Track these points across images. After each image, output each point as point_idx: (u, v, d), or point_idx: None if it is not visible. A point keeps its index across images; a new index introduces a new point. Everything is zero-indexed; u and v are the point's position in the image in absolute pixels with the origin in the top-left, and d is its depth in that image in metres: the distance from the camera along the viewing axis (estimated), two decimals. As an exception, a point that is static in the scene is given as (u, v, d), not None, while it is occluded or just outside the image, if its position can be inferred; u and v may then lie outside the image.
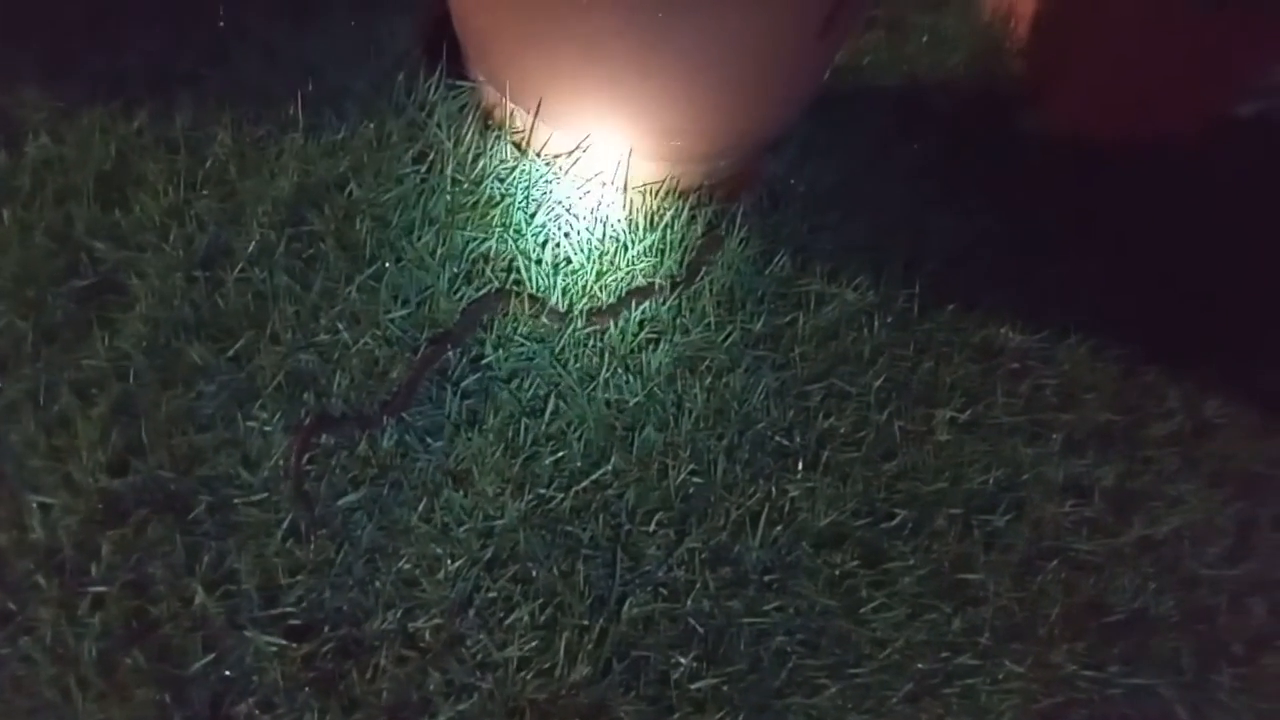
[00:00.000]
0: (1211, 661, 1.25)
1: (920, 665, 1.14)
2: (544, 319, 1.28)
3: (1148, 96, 1.81)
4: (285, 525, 1.02)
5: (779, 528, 1.19)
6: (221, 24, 1.41)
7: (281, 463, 1.06)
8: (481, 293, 1.27)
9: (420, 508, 1.07)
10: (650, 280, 1.38)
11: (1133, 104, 1.82)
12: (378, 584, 1.02)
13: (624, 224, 1.43)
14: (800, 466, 1.26)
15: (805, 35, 1.32)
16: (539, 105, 1.42)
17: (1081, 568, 1.28)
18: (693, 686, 1.05)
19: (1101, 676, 1.19)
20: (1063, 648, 1.20)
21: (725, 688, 1.06)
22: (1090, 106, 1.84)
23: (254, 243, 1.21)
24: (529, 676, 1.00)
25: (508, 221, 1.37)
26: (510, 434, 1.16)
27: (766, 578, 1.16)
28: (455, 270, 1.28)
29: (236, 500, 1.03)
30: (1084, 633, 1.22)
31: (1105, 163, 1.83)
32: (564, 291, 1.33)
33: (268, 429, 1.08)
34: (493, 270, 1.31)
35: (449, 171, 1.37)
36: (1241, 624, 1.29)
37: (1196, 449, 1.47)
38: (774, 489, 1.23)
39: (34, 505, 0.99)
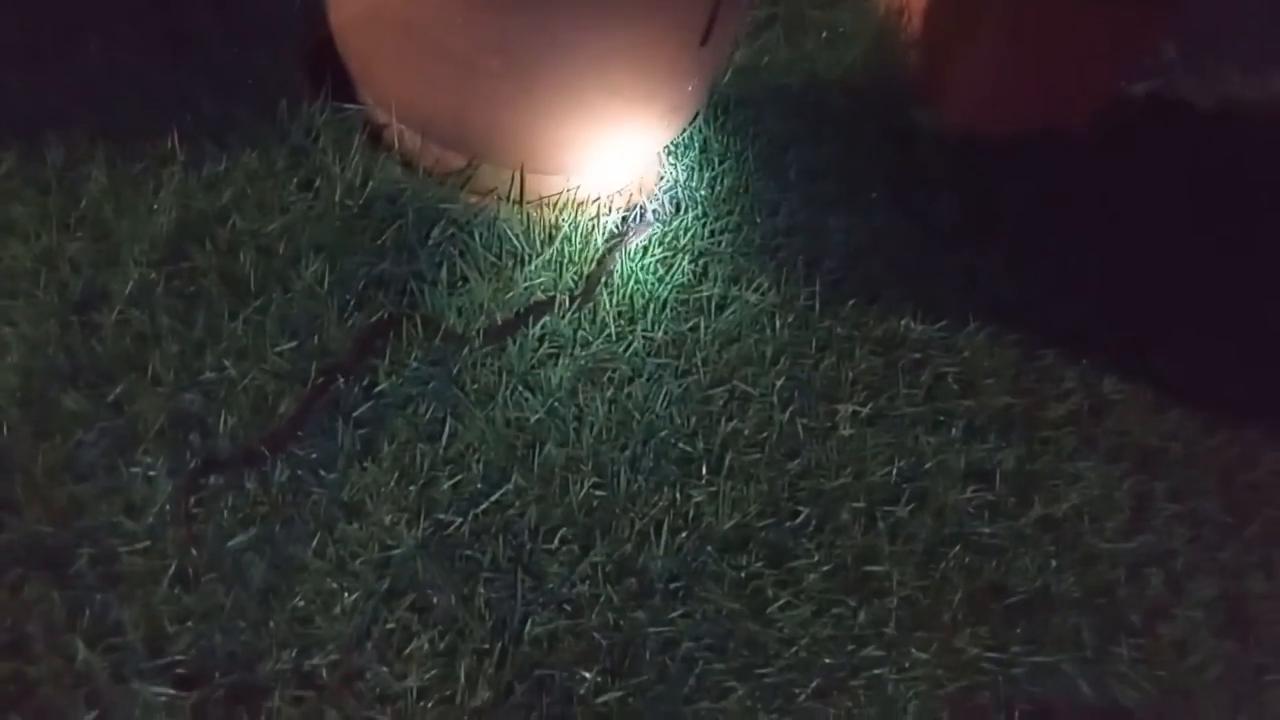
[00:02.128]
0: (1111, 634, 1.28)
1: (827, 660, 1.15)
2: (439, 341, 1.27)
3: (1038, 84, 1.86)
4: (171, 572, 1.00)
5: (683, 534, 1.20)
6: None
7: (168, 509, 1.03)
8: (373, 319, 1.26)
9: (314, 543, 1.06)
10: (549, 294, 1.38)
11: (1024, 93, 1.87)
12: (271, 624, 1.00)
13: (521, 239, 1.42)
14: (704, 472, 1.27)
15: (687, 44, 1.33)
16: (426, 125, 1.41)
17: (984, 551, 1.31)
18: (598, 701, 1.05)
19: (1005, 657, 1.22)
20: (966, 632, 1.22)
21: (631, 700, 1.06)
22: (982, 97, 1.88)
23: (132, 283, 1.18)
24: (429, 705, 0.99)
25: (400, 243, 1.36)
26: (406, 461, 1.15)
27: (672, 585, 1.16)
28: (346, 297, 1.27)
29: (120, 550, 1.01)
30: (987, 615, 1.25)
31: (1000, 152, 1.88)
32: (460, 311, 1.32)
33: (152, 474, 1.06)
34: (385, 295, 1.30)
35: (337, 196, 1.35)
36: (1139, 596, 1.34)
37: (1094, 427, 1.52)
38: (678, 496, 1.24)
39: (-97, 571, 0.96)
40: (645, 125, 1.44)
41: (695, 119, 1.67)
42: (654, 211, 1.55)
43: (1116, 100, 2.07)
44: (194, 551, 1.02)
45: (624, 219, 1.49)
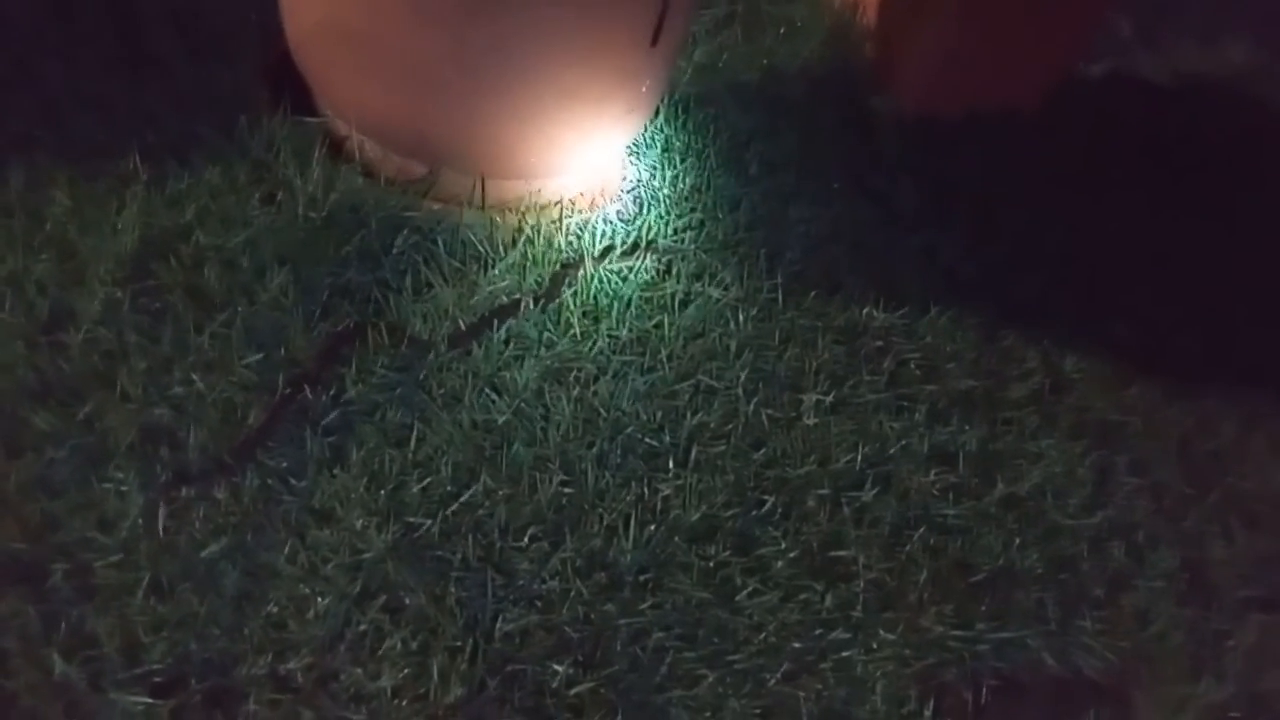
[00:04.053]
0: (1074, 607, 1.31)
1: (796, 644, 1.18)
2: (405, 348, 1.29)
3: (992, 65, 1.89)
4: (146, 583, 1.02)
5: (652, 527, 1.23)
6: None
7: (140, 522, 1.05)
8: (339, 328, 1.28)
9: (286, 550, 1.08)
10: (514, 297, 1.41)
11: (978, 74, 1.90)
12: (245, 630, 1.02)
13: (484, 244, 1.44)
14: (671, 465, 1.29)
15: (638, 46, 1.35)
16: (386, 135, 1.43)
17: (948, 532, 1.34)
18: (570, 693, 1.07)
19: (971, 634, 1.25)
20: (932, 611, 1.25)
21: (603, 690, 1.08)
22: (937, 81, 1.91)
23: (98, 302, 1.20)
24: (404, 704, 1.02)
25: (364, 252, 1.38)
26: (375, 466, 1.17)
27: (641, 577, 1.19)
28: (311, 308, 1.29)
29: (94, 563, 1.03)
30: (952, 594, 1.28)
31: (957, 134, 1.91)
32: (425, 318, 1.34)
33: (124, 488, 1.08)
34: (351, 304, 1.32)
35: (299, 209, 1.37)
36: (1101, 568, 1.36)
37: (1055, 405, 1.55)
38: (645, 490, 1.26)
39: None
40: (603, 127, 1.47)
41: (656, 118, 1.69)
42: (616, 211, 1.58)
43: (1072, 77, 2.10)
44: (167, 562, 1.04)
45: (585, 219, 1.51)
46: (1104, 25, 2.12)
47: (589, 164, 1.53)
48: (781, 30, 2.02)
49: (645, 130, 1.65)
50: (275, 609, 1.04)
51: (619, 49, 1.35)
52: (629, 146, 1.64)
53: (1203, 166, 2.05)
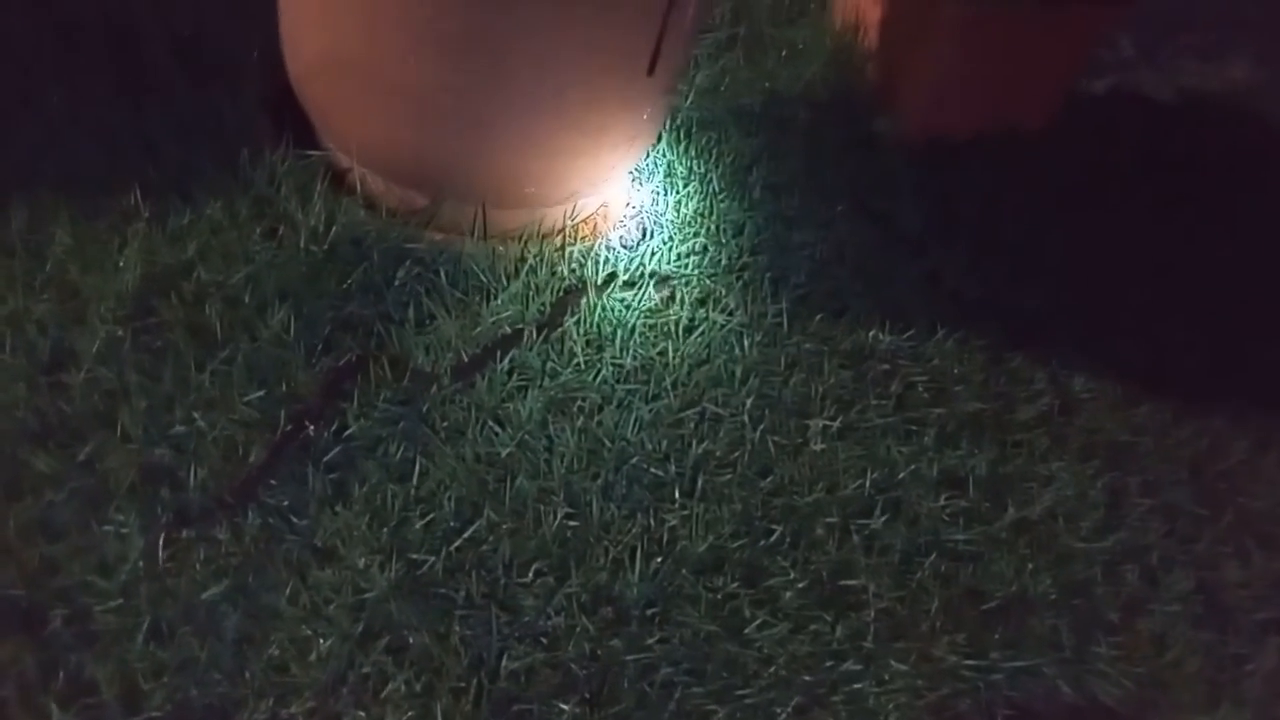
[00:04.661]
0: (1089, 633, 1.29)
1: (806, 677, 1.16)
2: (407, 381, 1.28)
3: (995, 86, 1.88)
4: (146, 627, 1.01)
5: (658, 559, 1.21)
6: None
7: (141, 564, 1.04)
8: (341, 362, 1.27)
9: (288, 590, 1.07)
10: (517, 327, 1.40)
11: (981, 95, 1.89)
12: (247, 674, 1.01)
13: (487, 273, 1.44)
14: (677, 495, 1.28)
15: (638, 73, 1.35)
16: (387, 167, 1.43)
17: (960, 558, 1.32)
18: (578, 732, 1.06)
19: (984, 664, 1.22)
20: (944, 640, 1.23)
21: (611, 729, 1.07)
22: (940, 102, 1.91)
23: (99, 341, 1.19)
24: (408, 747, 1.00)
25: (366, 285, 1.37)
26: (378, 502, 1.16)
27: (649, 611, 1.17)
28: (313, 342, 1.28)
29: (94, 608, 1.02)
30: (965, 622, 1.26)
31: (961, 155, 1.90)
32: (428, 350, 1.33)
33: (124, 530, 1.07)
34: (353, 337, 1.31)
35: (301, 243, 1.37)
36: (1116, 593, 1.34)
37: (1065, 426, 1.53)
38: (651, 521, 1.25)
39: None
40: (605, 155, 1.46)
41: (658, 143, 1.69)
42: (619, 238, 1.57)
43: (1075, 97, 2.09)
44: (168, 605, 1.02)
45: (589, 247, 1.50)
46: (1105, 43, 2.11)
47: (591, 192, 1.53)
48: (783, 53, 2.02)
49: (647, 156, 1.65)
50: (277, 651, 1.03)
51: (619, 77, 1.35)
52: (631, 172, 1.63)
53: (1206, 183, 2.04)
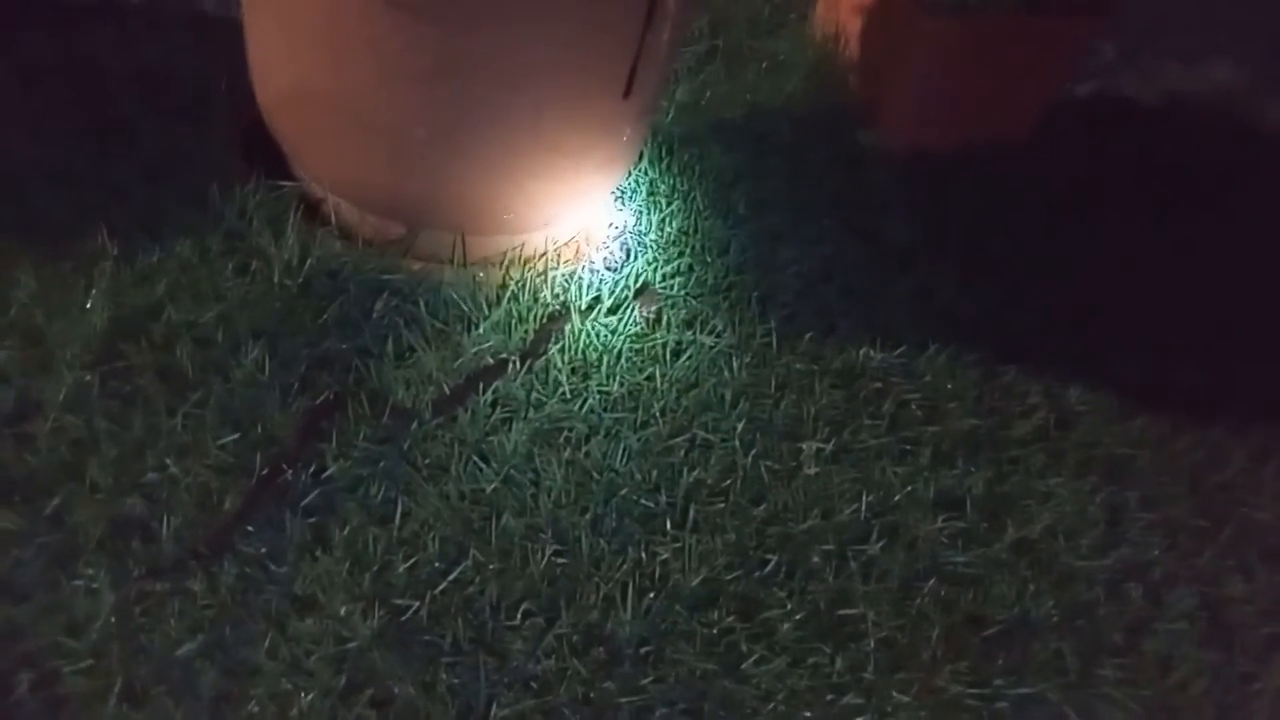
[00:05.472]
0: (1093, 656, 1.26)
1: (806, 713, 1.13)
2: (387, 418, 1.24)
3: (978, 96, 1.86)
4: (118, 689, 0.97)
5: (651, 595, 1.18)
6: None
7: (112, 622, 1.00)
8: (318, 401, 1.23)
9: (266, 643, 1.03)
10: (499, 356, 1.36)
11: (964, 105, 1.88)
12: (225, 735, 0.97)
13: (467, 302, 1.41)
14: (668, 527, 1.24)
15: (613, 95, 1.32)
16: (362, 196, 1.40)
17: (960, 582, 1.29)
18: (572, 782, 1.02)
19: (987, 692, 1.19)
20: (946, 669, 1.20)
21: (606, 776, 1.03)
22: (923, 114, 1.89)
23: (66, 389, 1.15)
24: (395, 806, 0.96)
25: (343, 319, 1.34)
26: (359, 546, 1.13)
27: (642, 650, 1.14)
28: (289, 381, 1.24)
29: (63, 670, 0.98)
30: (967, 650, 1.23)
31: (946, 166, 1.88)
32: (408, 384, 1.30)
33: (94, 586, 1.03)
34: (330, 374, 1.28)
35: (275, 277, 1.33)
36: (1119, 613, 1.32)
37: (1062, 441, 1.50)
38: (643, 555, 1.21)
39: None
40: (584, 179, 1.43)
41: (639, 162, 1.66)
42: (602, 260, 1.54)
43: (1059, 105, 2.07)
44: (140, 663, 0.98)
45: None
46: (1087, 50, 2.10)
47: (572, 216, 1.50)
48: (764, 65, 2.00)
49: (629, 175, 1.62)
50: (256, 709, 0.99)
51: (595, 101, 1.32)
52: (613, 192, 1.60)
53: (1196, 188, 2.02)
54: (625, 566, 1.19)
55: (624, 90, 1.28)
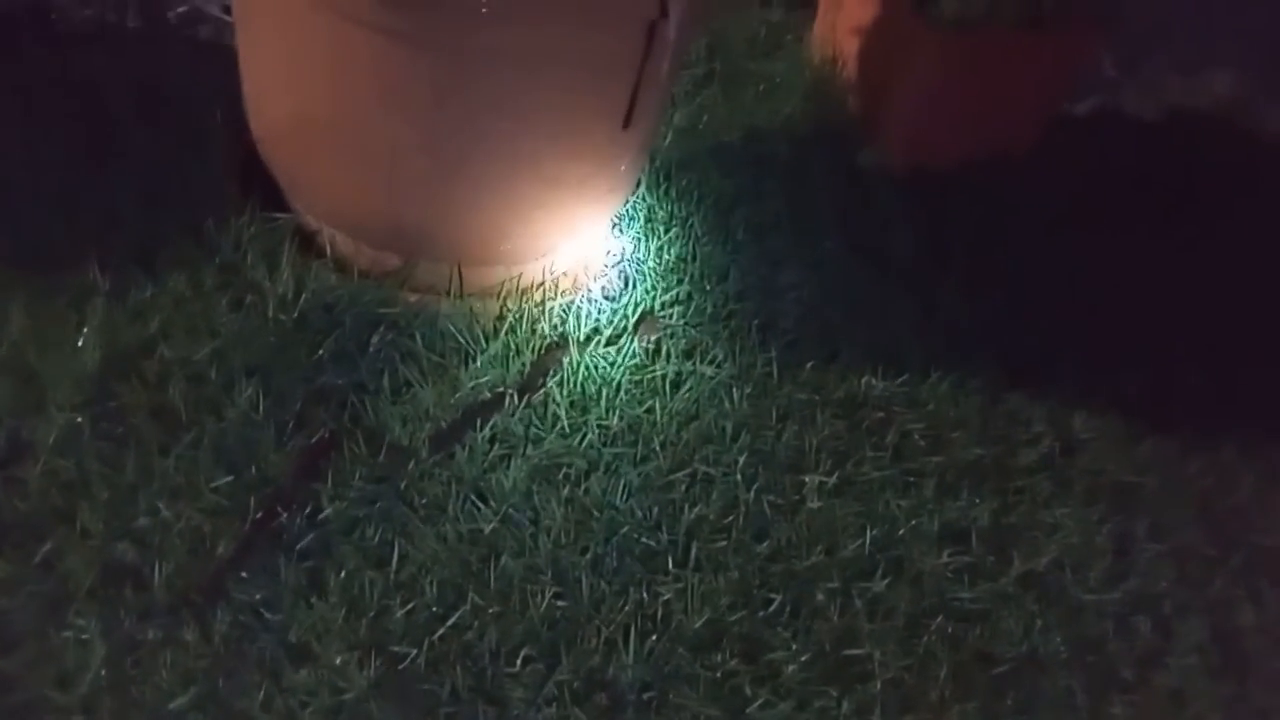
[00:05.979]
0: (1104, 692, 1.24)
1: (813, 760, 1.11)
2: (383, 456, 1.22)
3: (978, 113, 1.85)
4: (109, 745, 0.95)
5: (653, 638, 1.16)
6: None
7: (103, 674, 0.98)
8: (314, 440, 1.21)
9: (260, 695, 1.01)
10: (497, 390, 1.34)
11: (965, 123, 1.86)
12: (218, 791, 0.95)
13: (465, 334, 1.38)
14: (670, 565, 1.22)
15: (612, 126, 1.30)
16: (358, 228, 1.38)
17: (967, 618, 1.27)
18: (574, 835, 1.00)
19: (997, 733, 1.17)
20: (955, 709, 1.18)
21: (609, 828, 1.01)
22: (924, 132, 1.87)
23: (57, 431, 1.13)
24: None
25: (339, 354, 1.31)
26: (355, 591, 1.10)
27: (644, 695, 1.12)
28: (284, 419, 1.22)
29: (54, 726, 0.96)
30: (975, 689, 1.21)
31: (948, 185, 1.86)
32: (405, 421, 1.28)
33: (85, 636, 1.01)
34: (326, 410, 1.26)
35: (269, 312, 1.31)
36: (1129, 647, 1.30)
37: (1068, 469, 1.48)
38: (645, 595, 1.19)
39: None
40: (583, 209, 1.42)
41: (638, 189, 1.64)
42: (601, 289, 1.52)
43: (1060, 120, 2.06)
44: (132, 717, 0.96)
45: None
46: (1087, 64, 2.08)
47: (570, 246, 1.48)
48: (761, 87, 1.98)
49: (626, 201, 1.60)
50: (251, 764, 0.97)
51: (596, 132, 1.30)
52: (611, 220, 1.58)
53: (1199, 201, 2.00)
54: (627, 608, 1.17)
55: (624, 121, 1.26)
